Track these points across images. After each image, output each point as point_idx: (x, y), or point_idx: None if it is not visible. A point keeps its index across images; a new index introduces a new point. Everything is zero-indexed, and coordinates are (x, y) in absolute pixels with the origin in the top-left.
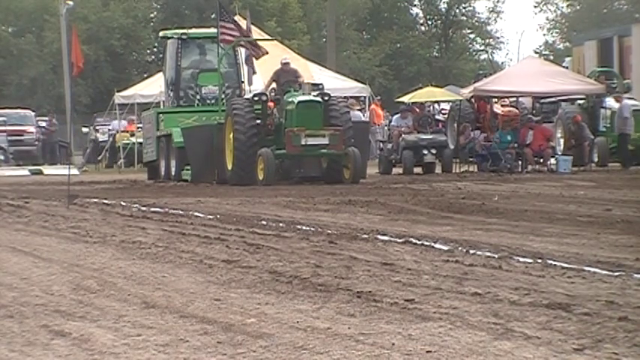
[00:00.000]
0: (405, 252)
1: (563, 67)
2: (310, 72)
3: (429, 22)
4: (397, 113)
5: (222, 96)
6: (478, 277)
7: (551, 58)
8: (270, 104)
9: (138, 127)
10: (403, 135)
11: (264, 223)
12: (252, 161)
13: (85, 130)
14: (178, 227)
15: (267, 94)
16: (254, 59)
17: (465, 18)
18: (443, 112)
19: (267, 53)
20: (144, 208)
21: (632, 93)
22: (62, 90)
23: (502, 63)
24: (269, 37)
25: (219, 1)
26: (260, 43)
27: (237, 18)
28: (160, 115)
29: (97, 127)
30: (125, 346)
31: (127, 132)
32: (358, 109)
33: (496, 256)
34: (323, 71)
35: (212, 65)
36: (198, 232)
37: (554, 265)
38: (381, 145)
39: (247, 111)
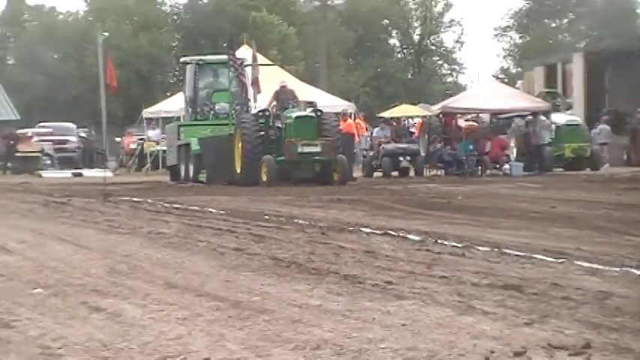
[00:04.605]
0: (384, 242)
1: (516, 88)
2: (305, 92)
3: (405, 51)
4: (377, 126)
5: (232, 112)
6: (445, 262)
7: (506, 80)
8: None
9: (162, 138)
10: (383, 144)
11: (267, 217)
12: (257, 166)
13: (117, 139)
14: (195, 221)
15: (270, 110)
16: (259, 81)
17: (434, 47)
18: (416, 125)
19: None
20: (167, 205)
21: (573, 110)
22: (99, 106)
23: (465, 85)
24: (271, 63)
25: (229, 35)
26: (262, 67)
27: (244, 47)
28: (181, 127)
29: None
30: (151, 319)
31: (153, 141)
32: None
33: (460, 245)
34: (316, 91)
35: (224, 86)
36: (211, 224)
37: (509, 253)
38: (365, 152)
39: (253, 124)
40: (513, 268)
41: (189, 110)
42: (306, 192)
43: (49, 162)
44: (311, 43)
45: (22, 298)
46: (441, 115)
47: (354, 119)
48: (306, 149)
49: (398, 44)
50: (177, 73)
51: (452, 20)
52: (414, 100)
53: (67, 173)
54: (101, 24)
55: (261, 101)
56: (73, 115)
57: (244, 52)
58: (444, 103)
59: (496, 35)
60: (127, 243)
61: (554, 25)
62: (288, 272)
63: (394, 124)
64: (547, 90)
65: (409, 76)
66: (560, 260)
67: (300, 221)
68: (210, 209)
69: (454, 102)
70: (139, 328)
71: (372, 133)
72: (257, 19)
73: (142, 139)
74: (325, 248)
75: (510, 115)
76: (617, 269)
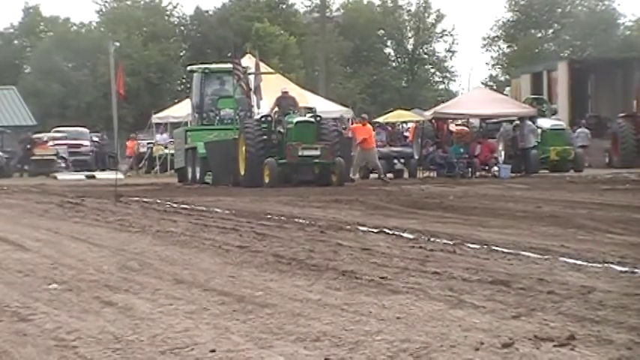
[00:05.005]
0: (379, 240)
1: (504, 94)
2: (306, 98)
3: (399, 60)
4: (373, 131)
5: (237, 117)
6: (437, 259)
7: (495, 87)
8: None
9: (170, 141)
10: (378, 148)
11: (269, 216)
12: (259, 168)
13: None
14: (202, 220)
15: (272, 115)
16: (261, 88)
17: (427, 56)
18: (409, 129)
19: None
20: (175, 205)
21: (558, 115)
22: (111, 112)
23: (456, 91)
24: (273, 71)
25: (233, 44)
26: (265, 75)
27: (248, 56)
28: (188, 132)
29: (139, 141)
30: (160, 313)
31: (162, 145)
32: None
33: (451, 243)
34: (315, 98)
35: (229, 93)
36: (217, 223)
37: (497, 250)
38: None
39: (256, 129)
40: (501, 264)
41: (196, 116)
42: (306, 193)
43: (63, 165)
44: (310, 52)
45: (38, 293)
46: (433, 120)
47: (352, 124)
48: (306, 152)
49: (392, 53)
50: (184, 80)
51: (443, 31)
52: (408, 106)
53: (80, 175)
54: (113, 35)
55: (264, 107)
56: (87, 121)
57: (248, 61)
58: (436, 108)
59: (485, 45)
60: (138, 241)
61: (539, 35)
62: (290, 268)
63: (389, 128)
64: (533, 96)
65: (403, 84)
66: (546, 257)
67: (301, 220)
68: (216, 209)
69: (446, 108)
70: (148, 322)
71: None
72: (260, 29)
73: (151, 143)
74: (324, 246)
75: (499, 120)
76: (600, 265)
